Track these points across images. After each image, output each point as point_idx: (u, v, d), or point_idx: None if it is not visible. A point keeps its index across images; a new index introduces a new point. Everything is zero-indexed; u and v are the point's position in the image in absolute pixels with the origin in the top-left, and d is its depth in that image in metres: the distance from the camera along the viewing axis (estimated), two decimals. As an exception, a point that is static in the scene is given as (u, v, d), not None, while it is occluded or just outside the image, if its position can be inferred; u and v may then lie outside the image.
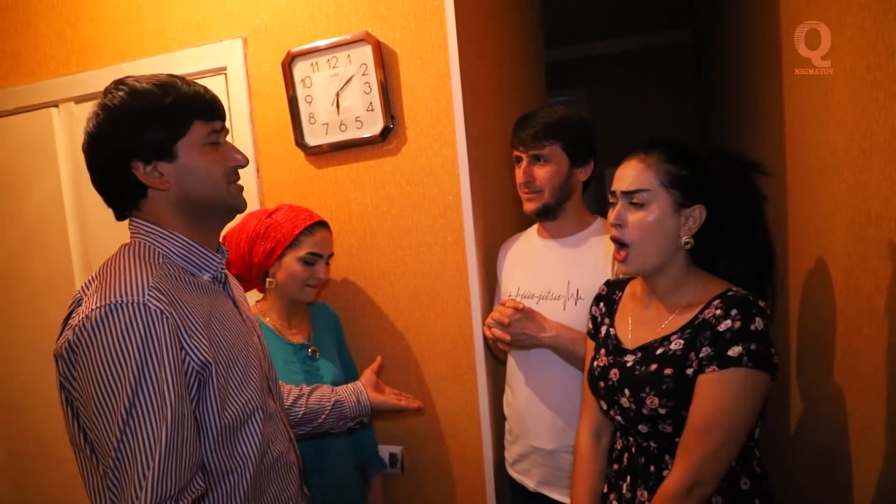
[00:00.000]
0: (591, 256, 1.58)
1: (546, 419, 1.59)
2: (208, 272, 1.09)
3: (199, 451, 0.96)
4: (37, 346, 2.30)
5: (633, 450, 1.24)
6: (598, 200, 4.92)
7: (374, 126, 1.78)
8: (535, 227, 1.75)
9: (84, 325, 0.89)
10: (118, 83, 1.04)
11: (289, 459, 1.17)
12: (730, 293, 1.15)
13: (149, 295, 0.92)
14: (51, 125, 2.17)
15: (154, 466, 0.87)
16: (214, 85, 1.95)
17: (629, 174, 1.20)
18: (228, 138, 1.13)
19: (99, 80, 2.07)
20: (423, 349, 1.83)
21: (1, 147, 2.28)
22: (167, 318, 0.92)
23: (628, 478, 1.24)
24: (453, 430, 1.81)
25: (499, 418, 1.80)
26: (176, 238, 1.04)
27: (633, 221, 1.19)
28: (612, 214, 1.22)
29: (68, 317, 0.97)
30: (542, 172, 1.58)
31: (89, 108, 2.08)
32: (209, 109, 1.05)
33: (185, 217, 1.05)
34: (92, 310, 0.90)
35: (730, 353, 1.08)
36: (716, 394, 1.09)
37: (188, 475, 0.91)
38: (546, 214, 1.62)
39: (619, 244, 1.22)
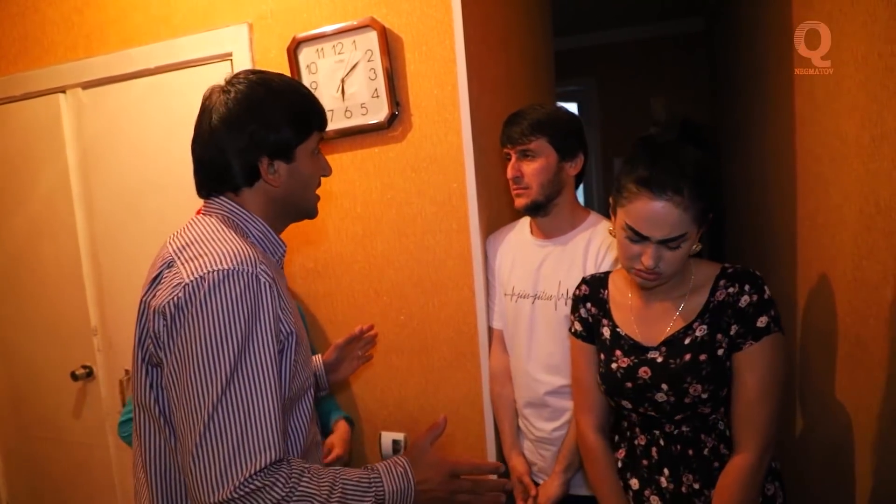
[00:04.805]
0: (580, 255, 1.59)
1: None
2: (275, 257, 1.14)
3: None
4: (45, 331, 2.33)
5: (662, 442, 1.25)
6: (605, 189, 4.90)
7: (379, 113, 1.77)
8: (526, 223, 1.74)
9: (199, 285, 0.92)
10: (252, 72, 1.09)
11: (318, 439, 1.22)
12: (729, 271, 1.21)
13: (260, 267, 0.97)
14: (58, 111, 2.18)
15: (255, 432, 0.90)
16: (220, 71, 1.95)
17: (666, 222, 1.12)
18: None
19: (106, 65, 2.08)
20: (426, 337, 1.83)
21: (9, 133, 2.29)
22: (272, 289, 0.97)
23: (666, 470, 1.24)
24: (456, 417, 1.81)
25: (502, 407, 1.80)
26: (258, 223, 1.10)
27: (669, 258, 1.16)
28: (646, 257, 1.15)
29: (158, 276, 1.00)
30: (530, 168, 1.58)
31: (97, 93, 2.12)
32: (323, 120, 1.14)
33: (272, 211, 1.11)
34: (208, 272, 0.93)
35: (758, 324, 1.15)
36: (760, 364, 1.15)
37: (281, 442, 0.93)
38: (536, 210, 1.62)
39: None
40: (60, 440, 2.35)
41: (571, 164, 1.61)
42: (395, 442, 1.87)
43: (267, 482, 0.89)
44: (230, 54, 1.92)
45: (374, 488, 0.99)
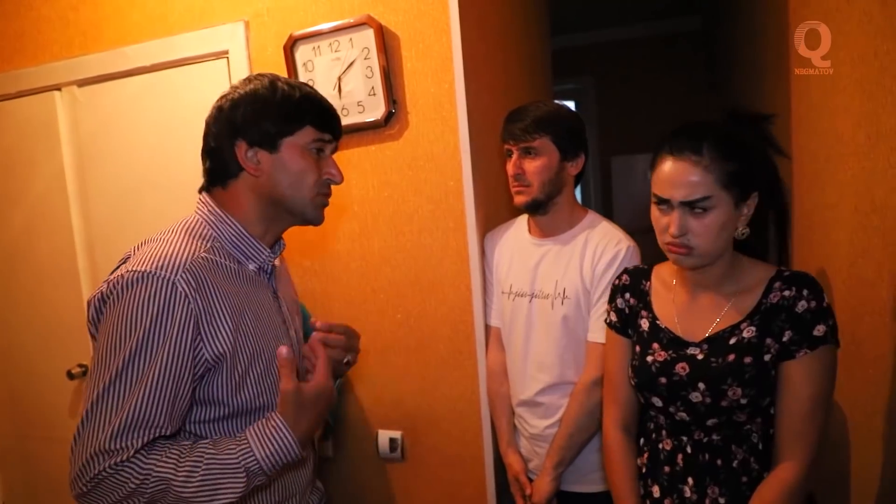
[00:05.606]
0: (577, 255, 1.58)
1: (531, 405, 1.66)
2: (254, 263, 1.11)
3: (174, 425, 0.96)
4: (41, 330, 2.32)
5: (689, 449, 1.19)
6: (603, 190, 4.89)
7: (376, 111, 1.77)
8: (524, 221, 1.73)
9: (117, 283, 0.95)
10: (262, 74, 1.10)
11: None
12: (786, 273, 1.13)
13: (180, 276, 0.96)
14: (54, 108, 2.17)
15: (117, 421, 0.90)
16: (216, 69, 1.94)
17: (686, 181, 1.08)
18: None
19: (102, 63, 2.07)
20: (423, 335, 1.83)
21: (4, 131, 2.28)
22: (189, 302, 0.96)
23: (690, 479, 1.18)
24: (453, 414, 1.81)
25: (499, 405, 1.80)
26: (232, 225, 1.08)
27: (697, 228, 1.10)
28: (671, 225, 1.11)
29: (115, 269, 1.03)
30: (532, 166, 1.57)
31: (93, 91, 2.12)
32: (325, 120, 1.10)
33: (261, 208, 1.09)
34: (127, 271, 0.95)
35: (815, 332, 1.08)
36: (815, 374, 1.08)
37: (143, 437, 0.92)
38: (536, 209, 1.61)
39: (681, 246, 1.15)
40: (56, 439, 2.34)
41: (573, 164, 1.61)
42: (391, 440, 1.87)
43: (119, 468, 0.89)
44: (226, 52, 1.92)
45: (243, 461, 0.94)
